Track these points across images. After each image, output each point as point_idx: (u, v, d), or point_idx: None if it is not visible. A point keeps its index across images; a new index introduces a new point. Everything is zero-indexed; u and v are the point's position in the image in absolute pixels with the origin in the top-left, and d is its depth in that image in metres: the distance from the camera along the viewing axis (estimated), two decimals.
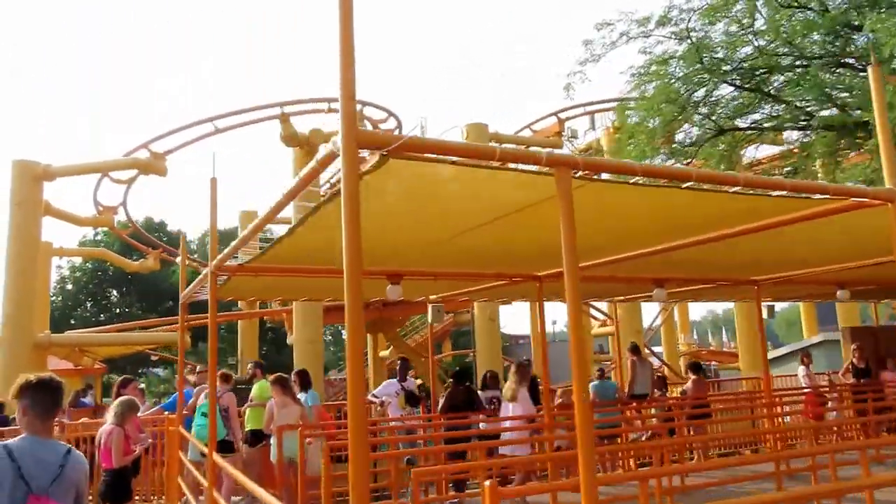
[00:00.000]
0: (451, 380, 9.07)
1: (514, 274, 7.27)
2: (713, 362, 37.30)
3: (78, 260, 39.42)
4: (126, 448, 6.60)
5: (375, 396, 9.32)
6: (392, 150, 2.67)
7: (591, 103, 24.80)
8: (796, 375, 12.56)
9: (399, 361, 9.44)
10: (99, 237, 40.29)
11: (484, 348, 21.60)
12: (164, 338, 19.79)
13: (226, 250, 5.64)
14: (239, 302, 30.12)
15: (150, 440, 7.05)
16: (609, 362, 32.74)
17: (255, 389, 9.61)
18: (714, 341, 47.65)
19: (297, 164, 20.05)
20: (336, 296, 9.25)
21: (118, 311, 41.01)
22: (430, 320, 9.69)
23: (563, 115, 24.70)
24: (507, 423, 8.33)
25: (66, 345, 19.03)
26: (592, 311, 27.18)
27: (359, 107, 19.71)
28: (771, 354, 31.57)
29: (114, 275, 40.96)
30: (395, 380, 9.37)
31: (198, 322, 23.36)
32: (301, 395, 8.51)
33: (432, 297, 9.59)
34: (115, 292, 42.34)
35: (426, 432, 8.92)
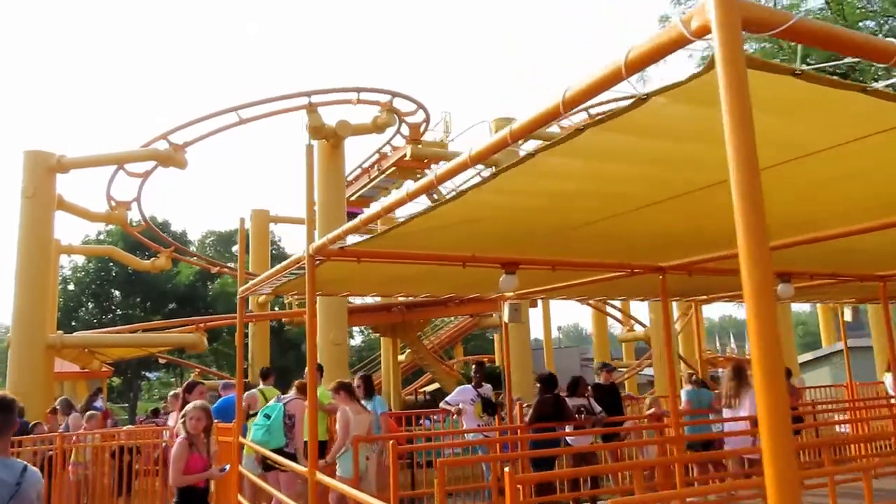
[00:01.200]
0: (538, 385, 8.16)
1: (636, 265, 6.35)
2: (721, 370, 36.46)
3: (80, 260, 38.36)
4: (191, 464, 5.63)
5: (449, 404, 8.37)
6: (780, 32, 1.74)
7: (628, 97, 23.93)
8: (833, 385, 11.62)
9: (475, 366, 8.50)
10: (101, 235, 39.24)
11: (513, 353, 20.64)
12: (181, 339, 18.80)
13: (344, 227, 4.71)
14: (250, 302, 29.22)
15: (227, 468, 6.07)
16: (623, 369, 31.88)
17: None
18: (733, 345, 46.75)
19: (321, 157, 19.11)
20: (458, 289, 8.22)
21: (121, 312, 39.92)
22: (505, 320, 8.73)
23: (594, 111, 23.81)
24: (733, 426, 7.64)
25: (79, 346, 18.01)
26: (613, 312, 26.35)
27: (387, 97, 18.82)
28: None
29: (117, 275, 39.92)
30: (469, 385, 8.43)
31: (222, 323, 22.38)
32: (365, 403, 7.57)
33: (509, 293, 8.66)
34: (118, 293, 41.23)
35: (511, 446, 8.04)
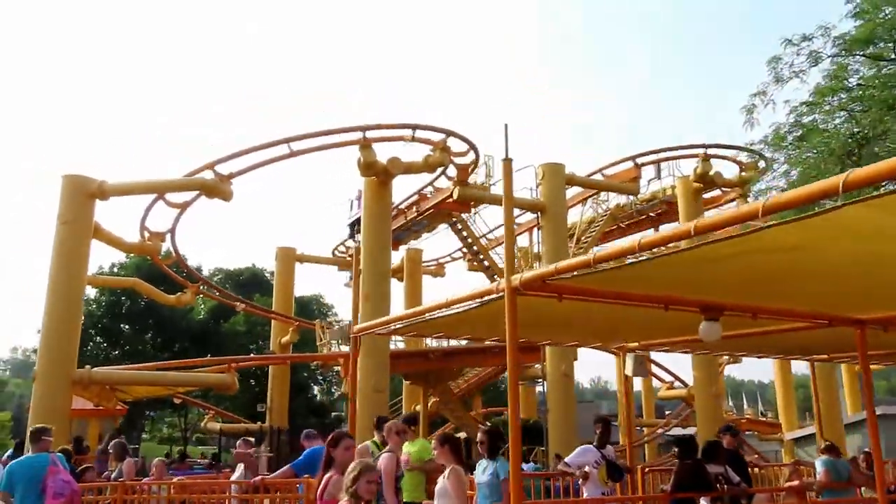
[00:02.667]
0: (675, 449, 7.26)
1: (831, 315, 5.54)
2: (750, 431, 35.18)
3: (92, 292, 37.35)
4: None
5: (569, 465, 7.43)
6: None
7: (665, 150, 23.51)
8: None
9: (600, 423, 7.58)
10: (115, 268, 38.23)
11: (557, 408, 19.63)
12: (213, 379, 17.78)
13: (570, 261, 3.93)
14: (271, 344, 28.19)
15: None
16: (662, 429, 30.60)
17: (411, 448, 7.71)
18: (750, 409, 45.42)
19: (369, 194, 18.47)
20: (649, 335, 7.08)
21: (129, 348, 38.71)
22: (628, 373, 7.86)
23: (637, 161, 23.36)
24: None
25: (106, 383, 17.01)
26: (655, 370, 25.39)
27: (441, 136, 18.25)
28: (797, 433, 29.34)
29: (128, 309, 38.86)
30: (591, 446, 7.49)
31: (254, 363, 21.27)
32: (484, 463, 6.59)
33: (632, 343, 7.82)
34: (127, 328, 40.09)
35: None
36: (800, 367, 42.22)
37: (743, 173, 23.35)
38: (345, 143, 17.09)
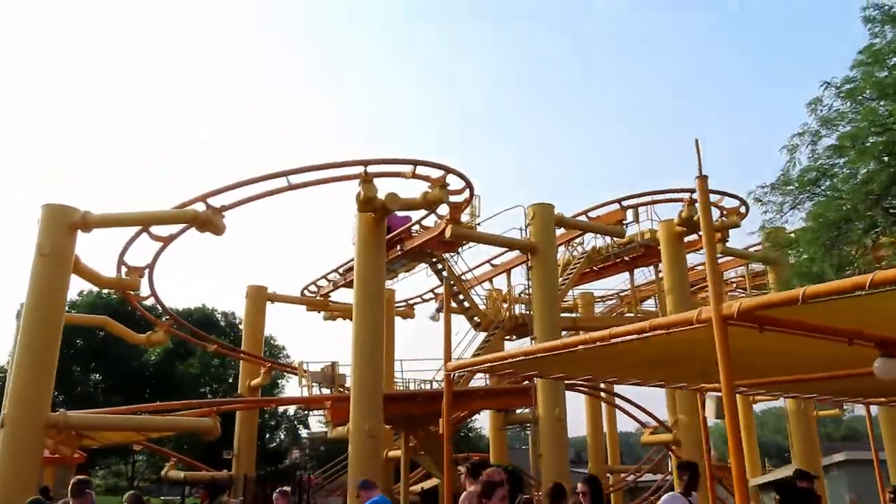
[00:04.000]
0: (776, 496, 6.91)
1: None
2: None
3: None
4: None
5: None
6: None
7: (650, 193, 23.82)
8: None
9: (687, 468, 7.20)
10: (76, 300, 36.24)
11: (550, 453, 19.17)
12: (195, 423, 16.66)
13: (811, 287, 3.59)
14: (239, 387, 26.92)
15: None
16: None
17: None
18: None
19: (364, 230, 17.98)
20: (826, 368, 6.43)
21: (79, 389, 36.50)
22: (710, 416, 7.54)
23: (624, 203, 23.56)
24: None
25: (83, 427, 15.75)
26: (638, 414, 25.18)
27: (440, 172, 17.96)
28: (760, 479, 29.35)
29: (77, 349, 36.78)
30: (678, 493, 7.10)
31: (238, 407, 19.88)
32: None
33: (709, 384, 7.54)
34: (78, 369, 37.91)
35: None
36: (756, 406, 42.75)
37: (724, 218, 23.79)
38: (345, 178, 16.64)
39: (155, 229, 17.25)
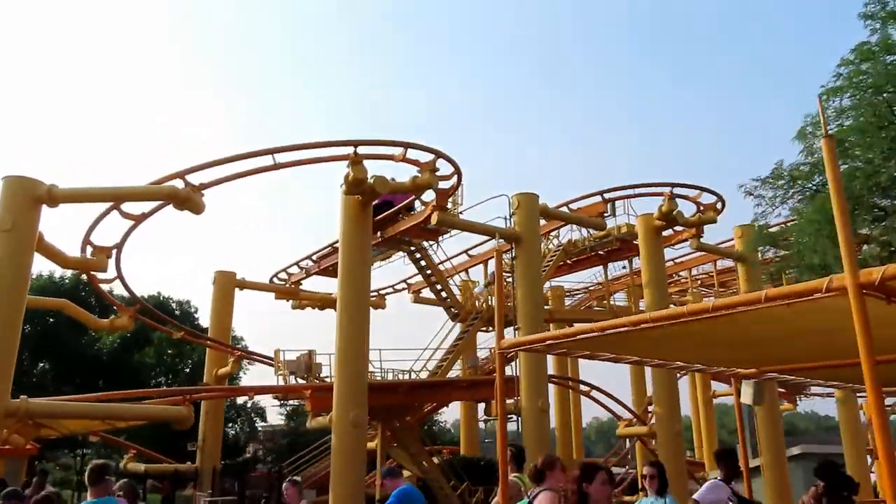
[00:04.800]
0: (820, 483, 6.60)
1: None
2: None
3: None
4: None
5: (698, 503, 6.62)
6: None
7: (633, 186, 23.67)
8: None
9: (726, 456, 6.83)
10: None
11: (533, 445, 18.77)
12: (166, 412, 15.72)
13: None
14: (205, 376, 25.86)
15: None
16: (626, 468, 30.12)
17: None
18: None
19: (349, 214, 17.31)
20: None
21: (25, 380, 34.62)
22: (746, 401, 7.19)
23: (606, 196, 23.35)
24: None
25: (47, 415, 14.69)
26: (613, 406, 25.11)
27: (430, 156, 17.41)
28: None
29: (27, 336, 34.86)
30: (720, 480, 6.73)
31: (213, 396, 18.87)
32: (649, 501, 5.71)
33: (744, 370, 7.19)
34: (27, 357, 35.98)
35: None
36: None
37: (701, 214, 23.80)
38: (334, 158, 15.93)
39: (127, 207, 16.26)
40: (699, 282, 34.41)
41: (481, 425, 30.47)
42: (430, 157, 17.14)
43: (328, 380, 20.47)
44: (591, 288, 34.94)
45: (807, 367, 6.91)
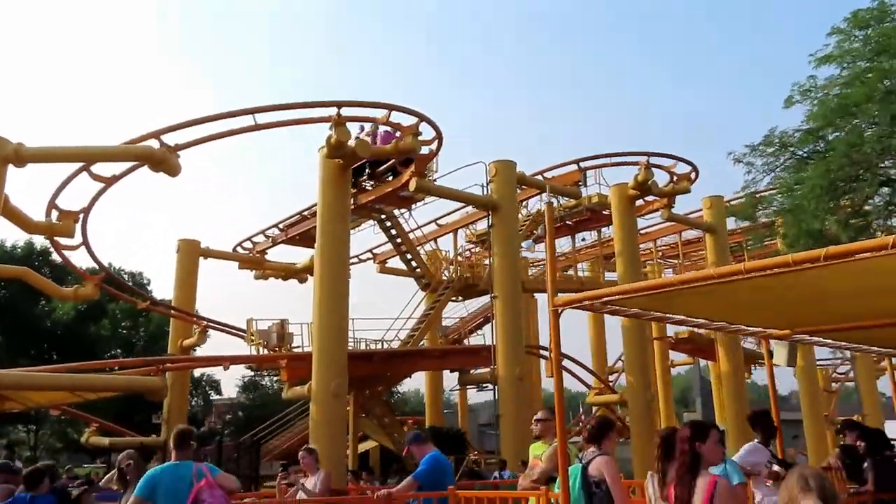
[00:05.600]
0: (864, 445, 6.64)
1: None
2: None
3: None
4: None
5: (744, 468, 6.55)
6: None
7: (609, 155, 23.73)
8: None
9: (761, 417, 6.83)
10: None
11: (510, 414, 18.87)
12: (140, 382, 15.14)
13: None
14: (169, 347, 25.17)
15: None
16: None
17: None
18: None
19: (328, 178, 16.90)
20: None
21: None
22: (779, 362, 7.20)
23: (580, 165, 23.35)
24: None
25: (13, 386, 13.97)
26: (582, 374, 25.36)
27: (413, 120, 17.05)
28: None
29: None
30: (759, 443, 6.72)
31: (190, 366, 18.27)
32: (716, 471, 5.58)
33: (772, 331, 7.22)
34: None
35: None
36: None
37: (674, 184, 24.01)
38: (316, 120, 15.45)
39: (98, 168, 15.51)
40: (661, 253, 34.86)
41: (446, 396, 30.64)
42: (414, 120, 16.77)
43: (299, 350, 20.18)
44: (559, 258, 35.14)
45: (841, 328, 6.92)
